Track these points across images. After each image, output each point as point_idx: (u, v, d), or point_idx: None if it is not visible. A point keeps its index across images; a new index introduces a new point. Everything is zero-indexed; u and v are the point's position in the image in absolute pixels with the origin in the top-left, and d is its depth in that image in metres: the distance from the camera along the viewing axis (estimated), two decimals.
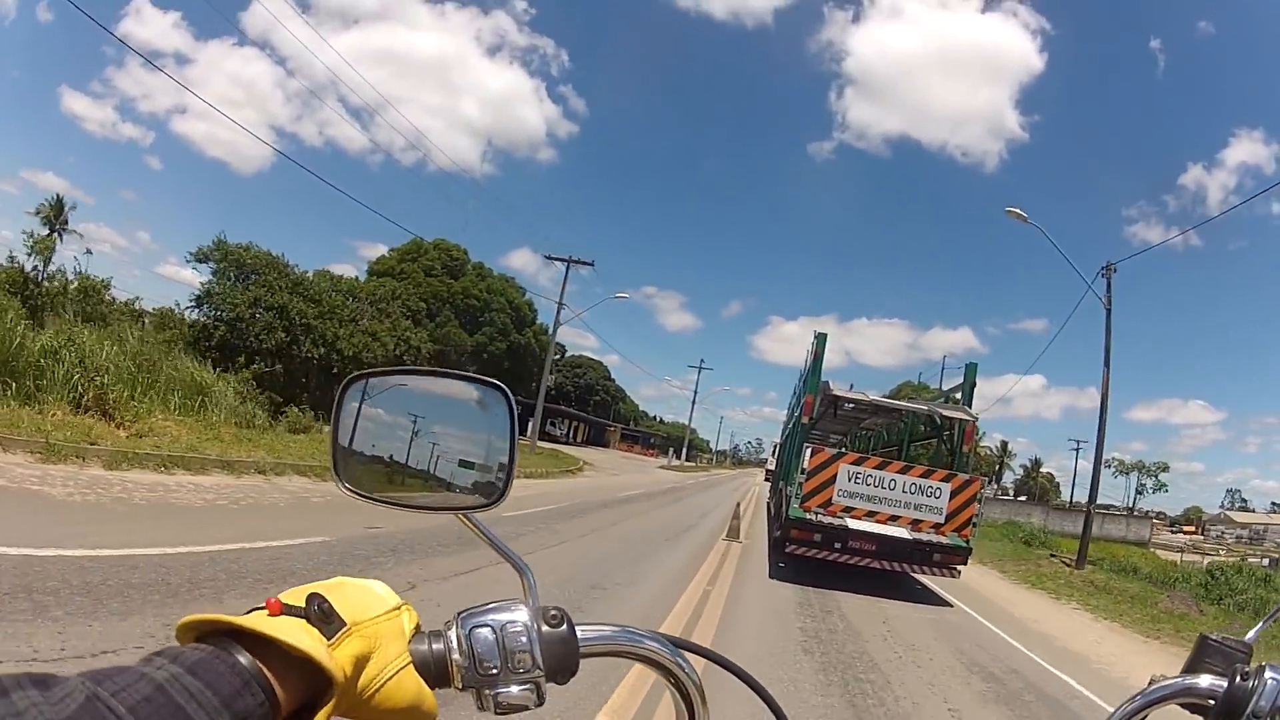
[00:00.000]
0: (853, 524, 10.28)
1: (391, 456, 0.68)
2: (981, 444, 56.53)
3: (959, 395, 13.00)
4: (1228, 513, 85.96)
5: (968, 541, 10.44)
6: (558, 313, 32.25)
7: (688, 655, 0.66)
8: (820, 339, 12.69)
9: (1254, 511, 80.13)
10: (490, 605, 0.60)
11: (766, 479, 20.62)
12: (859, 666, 6.25)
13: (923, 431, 14.00)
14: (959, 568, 10.58)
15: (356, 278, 32.01)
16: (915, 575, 11.35)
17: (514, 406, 0.66)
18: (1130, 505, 68.95)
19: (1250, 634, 0.78)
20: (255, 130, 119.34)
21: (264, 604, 0.50)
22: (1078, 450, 62.39)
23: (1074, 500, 58.45)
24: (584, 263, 33.10)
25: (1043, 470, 75.31)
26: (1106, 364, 18.02)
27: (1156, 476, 71.34)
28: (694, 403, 71.58)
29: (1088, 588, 15.40)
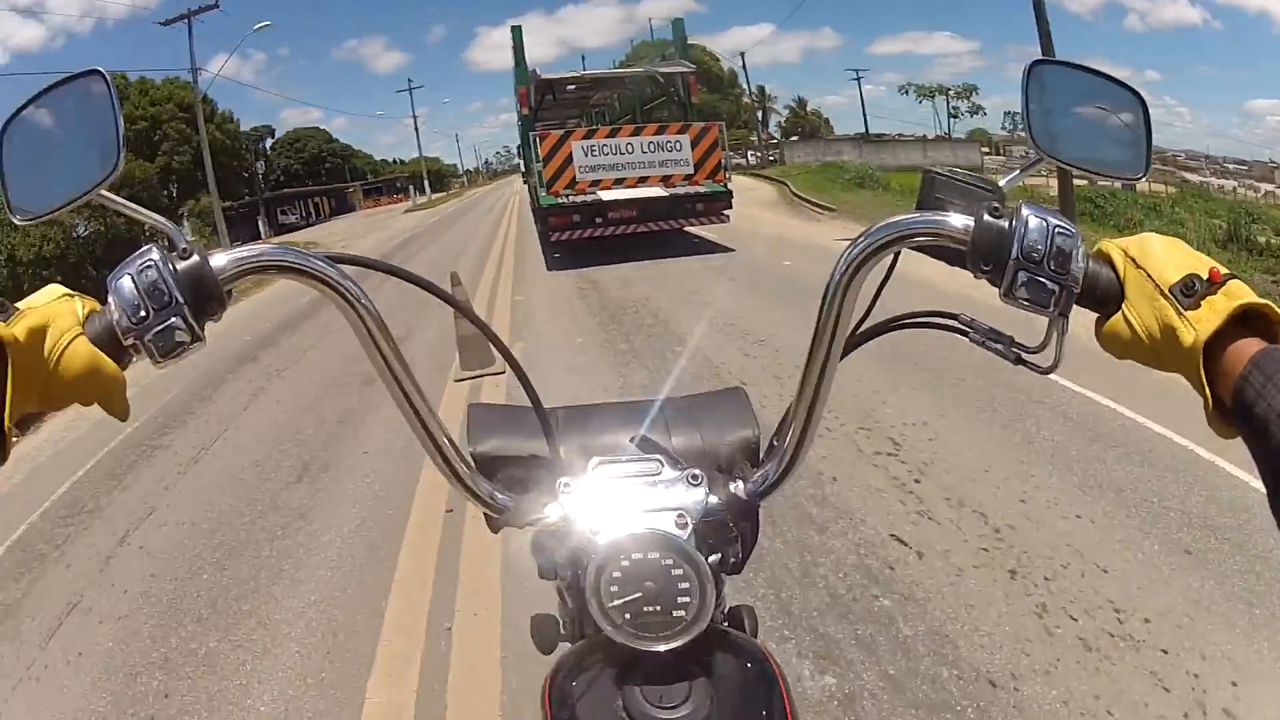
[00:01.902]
0: (605, 195, 10.57)
1: (40, 178, 0.71)
2: (741, 94, 56.20)
3: (673, 51, 13.13)
4: (1022, 134, 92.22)
5: (724, 185, 11.00)
6: (194, 76, 25.15)
7: (346, 267, 0.62)
8: (516, 31, 12.48)
9: None
10: (128, 259, 0.59)
11: (524, 183, 20.30)
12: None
13: (651, 95, 14.08)
14: (726, 212, 11.15)
15: None
16: (690, 230, 11.87)
17: (109, 81, 0.68)
18: (948, 131, 60.88)
19: (1003, 180, 0.63)
20: None
21: None
22: (859, 79, 60.82)
23: (870, 131, 55.09)
24: (207, 8, 25.16)
25: (809, 109, 70.10)
26: None
27: (969, 99, 62.43)
28: (416, 127, 62.91)
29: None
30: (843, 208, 16.74)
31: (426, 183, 59.87)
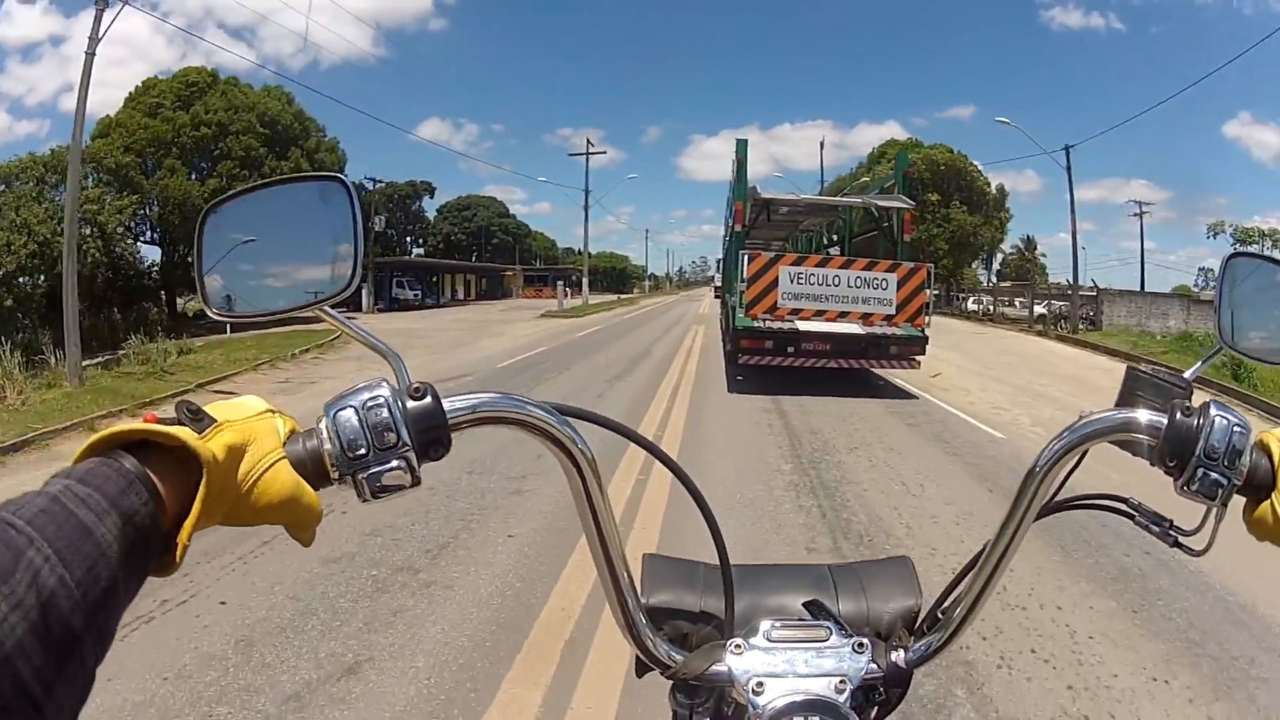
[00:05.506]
0: (802, 325, 10.32)
1: (250, 271, 0.71)
2: (1008, 218, 46.39)
3: (892, 184, 12.65)
4: None
5: (922, 330, 10.54)
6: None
7: (575, 421, 0.62)
8: (741, 145, 12.49)
9: None
10: (353, 388, 0.57)
11: (716, 297, 19.99)
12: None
13: (863, 227, 13.62)
14: (917, 358, 10.67)
15: (31, 154, 22.04)
16: (876, 371, 11.52)
17: (354, 194, 0.66)
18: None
19: (1188, 371, 0.68)
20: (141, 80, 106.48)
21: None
22: (1140, 216, 47.12)
23: (1144, 286, 40.15)
24: None
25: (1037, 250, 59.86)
26: None
27: None
28: (586, 203, 41.70)
29: None
30: None
31: (586, 280, 43.70)
